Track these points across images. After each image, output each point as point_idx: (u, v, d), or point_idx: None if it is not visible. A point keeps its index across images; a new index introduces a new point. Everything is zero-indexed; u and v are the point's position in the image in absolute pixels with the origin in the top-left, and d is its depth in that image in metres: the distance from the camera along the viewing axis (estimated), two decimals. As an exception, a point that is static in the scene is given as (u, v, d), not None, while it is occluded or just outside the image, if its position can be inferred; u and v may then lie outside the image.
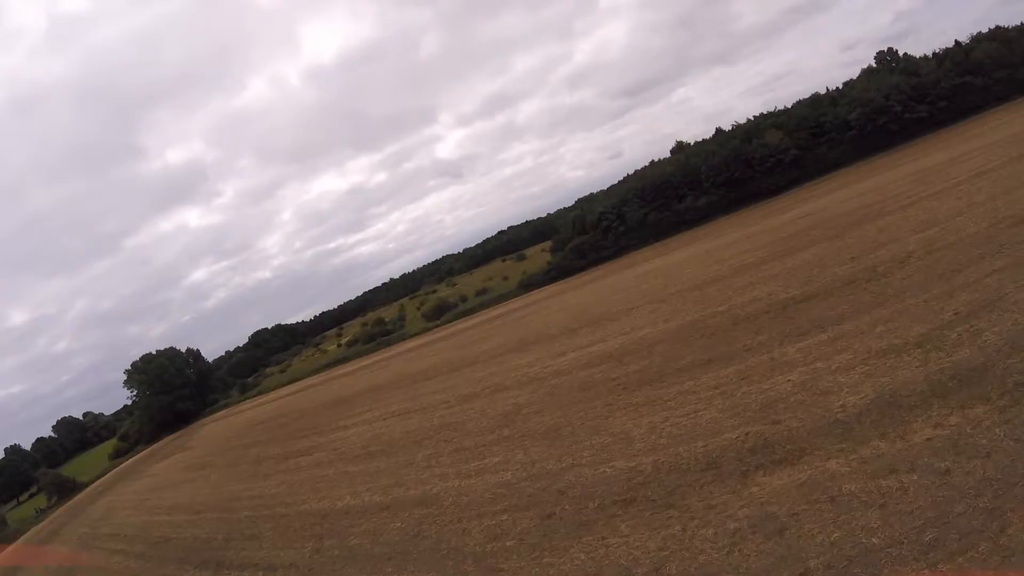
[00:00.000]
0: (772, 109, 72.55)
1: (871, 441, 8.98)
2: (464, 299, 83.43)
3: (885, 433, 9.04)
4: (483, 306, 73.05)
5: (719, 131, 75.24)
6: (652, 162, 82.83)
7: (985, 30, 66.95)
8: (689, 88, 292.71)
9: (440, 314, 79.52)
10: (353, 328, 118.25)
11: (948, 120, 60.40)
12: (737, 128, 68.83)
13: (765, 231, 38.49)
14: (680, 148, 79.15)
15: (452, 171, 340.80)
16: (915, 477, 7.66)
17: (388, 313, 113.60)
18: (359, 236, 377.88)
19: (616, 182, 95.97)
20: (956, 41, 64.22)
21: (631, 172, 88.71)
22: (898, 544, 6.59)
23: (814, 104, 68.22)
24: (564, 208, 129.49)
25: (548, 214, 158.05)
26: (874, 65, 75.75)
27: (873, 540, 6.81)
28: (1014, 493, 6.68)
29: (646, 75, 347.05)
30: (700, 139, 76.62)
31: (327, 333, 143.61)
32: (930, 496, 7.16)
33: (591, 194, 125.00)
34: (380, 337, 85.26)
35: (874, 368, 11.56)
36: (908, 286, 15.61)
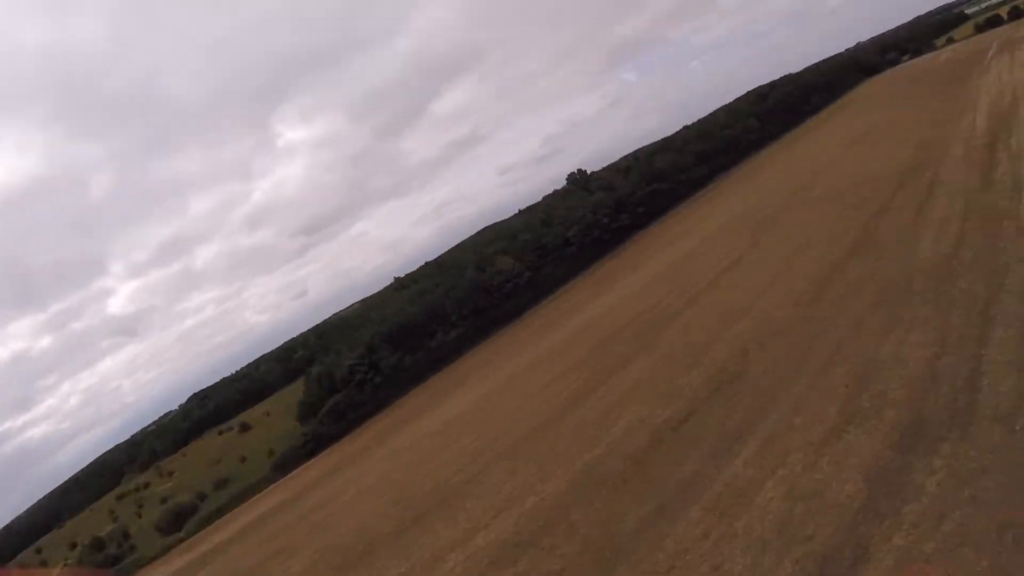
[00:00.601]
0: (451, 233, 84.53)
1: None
2: (202, 496, 68.72)
3: (906, 491, 10.04)
4: (236, 502, 60.83)
5: (427, 263, 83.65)
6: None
7: (652, 141, 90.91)
8: (366, 222, 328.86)
9: (180, 523, 63.65)
10: (57, 552, 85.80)
11: (647, 222, 77.55)
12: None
13: (551, 354, 41.68)
14: (402, 285, 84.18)
15: (127, 328, 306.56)
16: None
17: (98, 524, 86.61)
18: (28, 416, 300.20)
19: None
20: (635, 156, 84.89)
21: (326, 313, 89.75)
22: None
23: (528, 227, 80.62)
24: (265, 355, 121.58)
25: (246, 366, 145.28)
26: (568, 186, 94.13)
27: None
28: None
29: (324, 211, 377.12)
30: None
31: (20, 558, 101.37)
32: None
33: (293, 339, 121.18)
34: (108, 567, 63.34)
35: (836, 453, 13.04)
36: (777, 377, 18.67)
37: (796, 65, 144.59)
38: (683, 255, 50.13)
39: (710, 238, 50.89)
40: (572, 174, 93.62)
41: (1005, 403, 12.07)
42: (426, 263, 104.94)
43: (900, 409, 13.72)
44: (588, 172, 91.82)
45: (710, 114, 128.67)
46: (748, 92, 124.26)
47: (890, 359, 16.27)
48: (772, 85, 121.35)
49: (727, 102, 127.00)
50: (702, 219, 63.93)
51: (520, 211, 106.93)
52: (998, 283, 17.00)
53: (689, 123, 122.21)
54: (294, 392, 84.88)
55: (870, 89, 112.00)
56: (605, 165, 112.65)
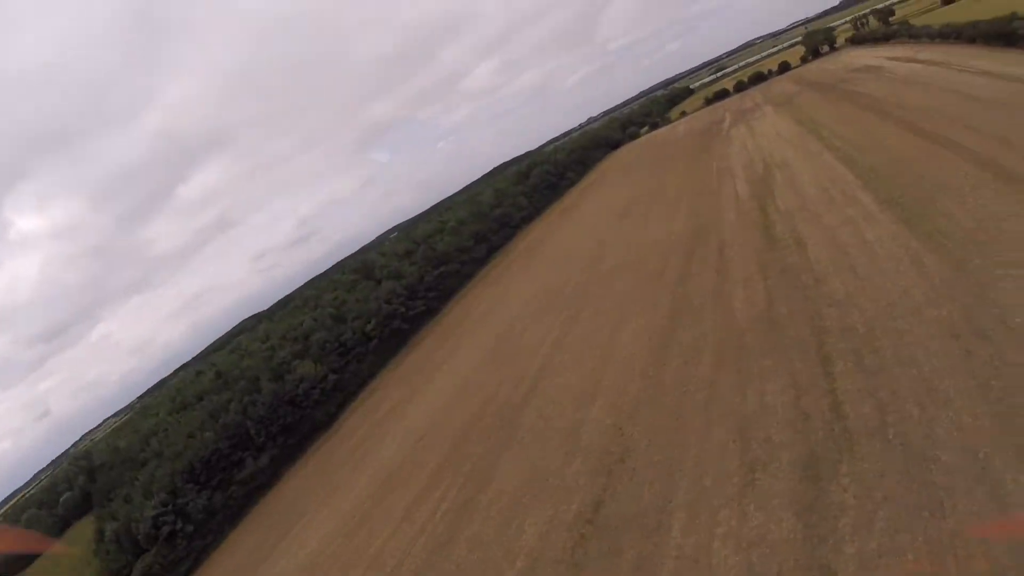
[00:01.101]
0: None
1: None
2: None
3: (832, 510, 13.90)
4: None
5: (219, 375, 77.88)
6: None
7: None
8: (109, 323, 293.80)
9: None
10: None
11: (440, 306, 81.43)
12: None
13: (397, 470, 40.50)
14: (185, 403, 76.56)
15: None
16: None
17: None
18: None
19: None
20: (416, 242, 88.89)
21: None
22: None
23: (321, 325, 79.24)
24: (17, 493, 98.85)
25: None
26: (352, 276, 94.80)
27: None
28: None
29: (64, 315, 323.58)
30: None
31: None
32: None
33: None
34: None
35: (758, 500, 16.60)
36: (664, 447, 22.41)
37: (535, 141, 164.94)
38: (497, 338, 53.85)
39: (520, 318, 55.72)
40: (360, 265, 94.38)
41: (872, 421, 16.51)
42: (198, 373, 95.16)
43: (790, 448, 17.68)
44: (373, 263, 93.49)
45: (476, 194, 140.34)
46: (511, 172, 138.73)
47: (759, 409, 20.67)
48: (531, 164, 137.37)
49: (475, 179, 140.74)
50: (501, 299, 69.39)
51: (280, 300, 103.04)
52: (819, 326, 22.73)
53: (439, 199, 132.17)
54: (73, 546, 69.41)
55: (617, 162, 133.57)
56: (362, 245, 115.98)
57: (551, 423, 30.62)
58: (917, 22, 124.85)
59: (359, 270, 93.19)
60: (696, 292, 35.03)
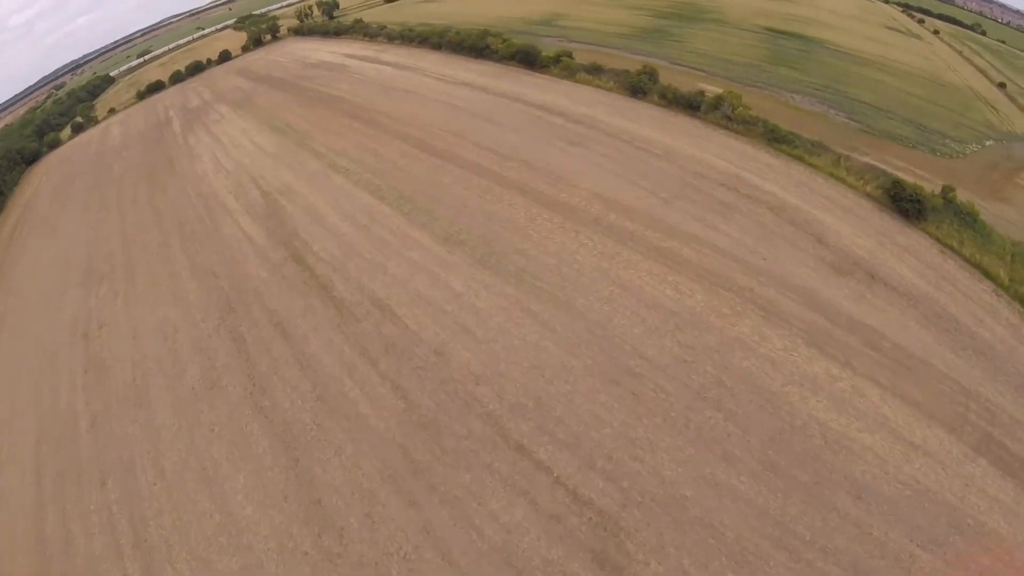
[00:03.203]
0: None
1: None
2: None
3: None
4: None
5: None
6: None
7: None
8: None
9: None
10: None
11: None
12: None
13: None
14: None
15: None
16: None
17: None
18: None
19: None
20: None
21: None
22: None
23: None
24: None
25: None
26: None
27: None
28: None
29: None
30: None
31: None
32: None
33: None
34: None
35: None
36: None
37: None
38: None
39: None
40: None
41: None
42: None
43: None
44: None
45: None
46: None
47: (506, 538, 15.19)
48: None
49: None
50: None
51: None
52: (485, 414, 18.38)
53: None
54: None
55: (48, 186, 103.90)
56: None
57: None
58: (364, 18, 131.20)
59: None
60: (292, 410, 26.75)
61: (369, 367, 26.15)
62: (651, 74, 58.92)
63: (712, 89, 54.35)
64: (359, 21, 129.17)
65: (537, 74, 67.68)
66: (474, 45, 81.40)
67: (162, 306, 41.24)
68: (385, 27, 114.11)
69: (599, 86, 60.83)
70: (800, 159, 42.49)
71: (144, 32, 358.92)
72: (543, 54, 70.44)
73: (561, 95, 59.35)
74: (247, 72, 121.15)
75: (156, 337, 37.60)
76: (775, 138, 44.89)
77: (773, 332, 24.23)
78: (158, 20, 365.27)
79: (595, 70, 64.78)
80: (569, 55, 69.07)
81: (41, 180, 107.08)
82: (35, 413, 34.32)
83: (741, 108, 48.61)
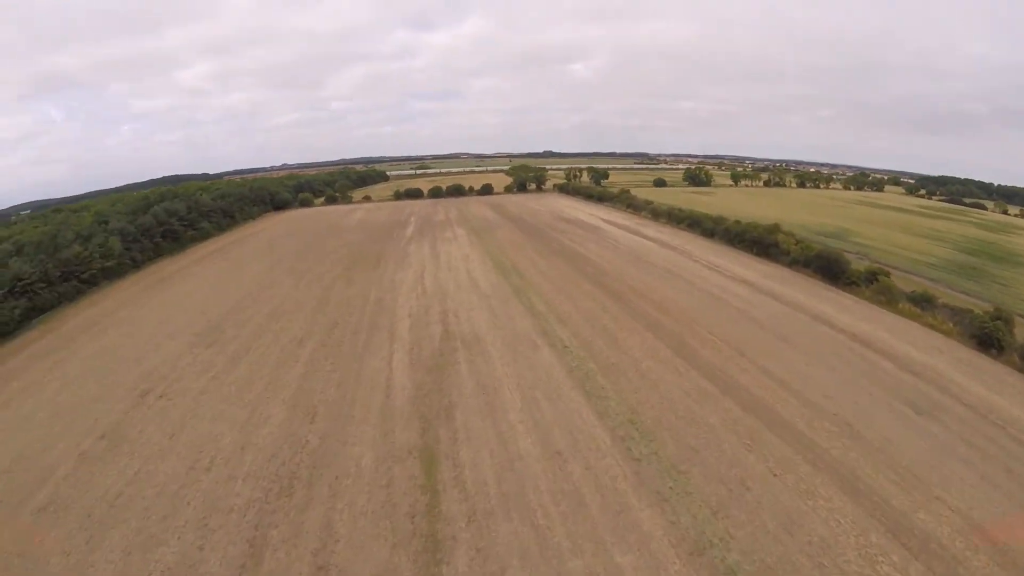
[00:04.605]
0: None
1: None
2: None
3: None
4: None
5: None
6: None
7: None
8: None
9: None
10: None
11: None
12: None
13: None
14: None
15: None
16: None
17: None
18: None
19: None
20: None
21: None
22: None
23: None
24: None
25: None
26: None
27: None
28: None
29: None
30: None
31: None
32: None
33: None
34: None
35: None
36: None
37: (219, 165, 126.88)
38: None
39: None
40: None
41: None
42: None
43: None
44: None
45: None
46: (135, 196, 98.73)
47: None
48: (163, 195, 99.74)
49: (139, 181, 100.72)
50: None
51: None
52: None
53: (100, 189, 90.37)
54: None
55: (267, 229, 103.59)
56: None
57: None
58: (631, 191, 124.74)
59: None
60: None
61: None
62: (1006, 321, 38.04)
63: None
64: (625, 191, 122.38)
65: (842, 291, 49.65)
66: (759, 239, 65.69)
67: (217, 402, 26.64)
68: (651, 203, 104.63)
69: (932, 325, 41.40)
70: None
71: (436, 156, 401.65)
72: (851, 266, 52.65)
73: (880, 326, 40.14)
74: (499, 207, 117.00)
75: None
76: None
77: None
78: (449, 152, 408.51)
79: (923, 301, 45.39)
80: (886, 274, 50.43)
81: (273, 224, 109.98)
82: None
83: None
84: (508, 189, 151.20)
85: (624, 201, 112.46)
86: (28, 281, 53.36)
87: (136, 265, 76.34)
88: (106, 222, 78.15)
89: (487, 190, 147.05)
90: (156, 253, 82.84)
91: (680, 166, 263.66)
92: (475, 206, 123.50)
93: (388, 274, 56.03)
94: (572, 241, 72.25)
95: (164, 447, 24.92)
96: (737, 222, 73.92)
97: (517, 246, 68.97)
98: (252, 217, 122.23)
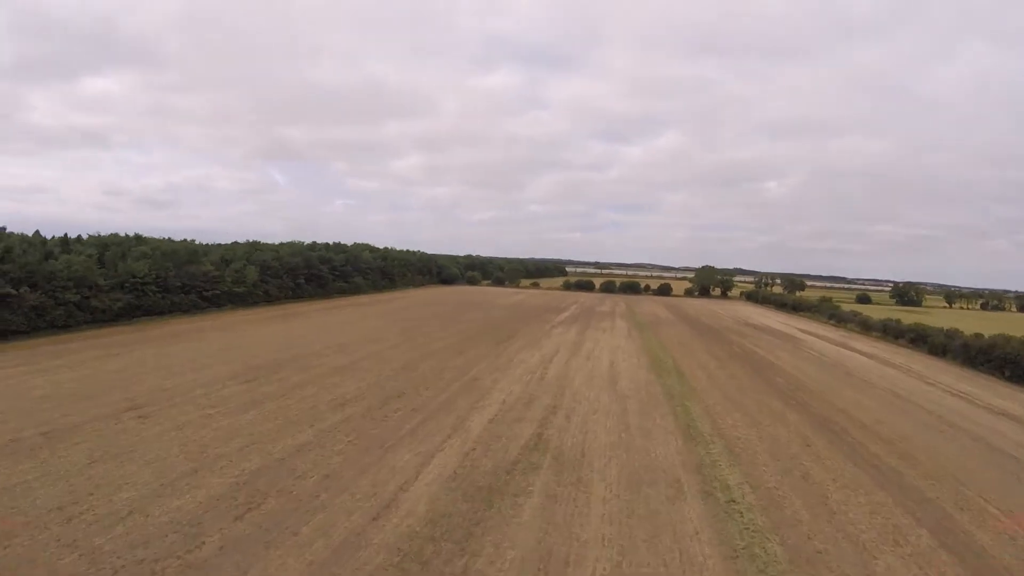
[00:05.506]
0: None
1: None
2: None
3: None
4: None
5: None
6: None
7: None
8: None
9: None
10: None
11: None
12: None
13: None
14: None
15: None
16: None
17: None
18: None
19: None
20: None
21: None
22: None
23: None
24: None
25: None
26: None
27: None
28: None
29: None
30: None
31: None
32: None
33: None
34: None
35: None
36: None
37: (400, 247, 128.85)
38: None
39: None
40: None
41: None
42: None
43: None
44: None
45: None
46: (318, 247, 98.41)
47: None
48: (333, 251, 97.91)
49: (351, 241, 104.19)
50: None
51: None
52: None
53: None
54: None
55: (421, 297, 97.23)
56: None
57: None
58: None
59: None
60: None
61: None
62: None
63: None
64: (827, 299, 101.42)
65: None
66: (1014, 358, 45.05)
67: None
68: (859, 313, 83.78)
69: None
70: None
71: (620, 264, 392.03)
72: None
73: None
74: (673, 307, 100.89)
75: None
76: None
77: None
78: (634, 261, 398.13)
79: None
80: None
81: (428, 292, 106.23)
82: None
83: None
84: (688, 292, 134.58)
85: (826, 311, 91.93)
86: (140, 280, 52.22)
87: (269, 299, 72.16)
88: (258, 251, 75.84)
89: (665, 290, 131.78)
90: (295, 294, 78.59)
91: (873, 289, 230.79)
92: (647, 303, 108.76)
93: (509, 353, 43.33)
94: (758, 347, 54.99)
95: None
96: (979, 335, 53.72)
97: (684, 345, 53.21)
98: (414, 285, 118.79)
